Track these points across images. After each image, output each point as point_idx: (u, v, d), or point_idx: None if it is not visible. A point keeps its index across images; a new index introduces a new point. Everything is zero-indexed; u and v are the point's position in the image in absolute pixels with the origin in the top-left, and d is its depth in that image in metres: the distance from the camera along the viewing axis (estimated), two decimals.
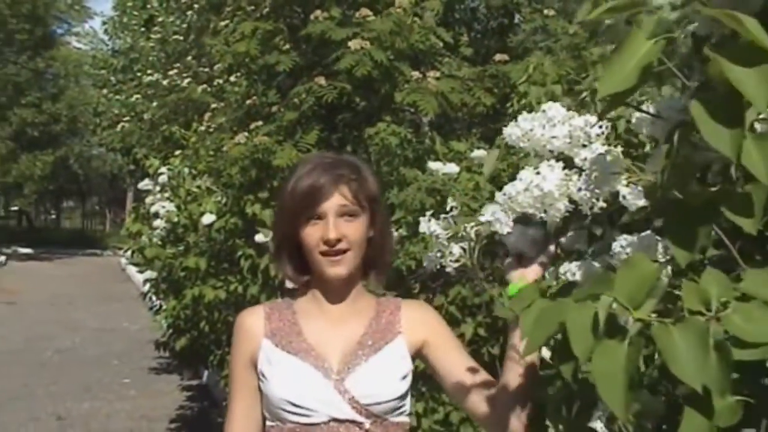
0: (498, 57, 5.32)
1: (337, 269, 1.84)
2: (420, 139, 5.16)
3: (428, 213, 1.35)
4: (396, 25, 4.84)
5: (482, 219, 1.25)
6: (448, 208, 1.24)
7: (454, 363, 1.88)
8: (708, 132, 0.85)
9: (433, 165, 4.48)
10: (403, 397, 1.87)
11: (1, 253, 26.56)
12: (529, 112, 1.25)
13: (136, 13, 18.21)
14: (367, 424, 1.81)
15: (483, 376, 1.85)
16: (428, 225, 1.20)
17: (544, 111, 1.05)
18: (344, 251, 1.83)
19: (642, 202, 0.98)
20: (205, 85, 8.67)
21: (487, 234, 1.37)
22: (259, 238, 4.66)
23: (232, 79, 6.63)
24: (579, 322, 0.90)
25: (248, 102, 5.61)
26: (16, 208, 43.36)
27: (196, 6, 11.89)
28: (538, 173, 1.03)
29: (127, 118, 13.71)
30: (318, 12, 4.97)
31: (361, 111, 5.50)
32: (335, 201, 1.83)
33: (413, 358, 1.92)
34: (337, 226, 1.83)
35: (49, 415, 7.30)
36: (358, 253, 1.86)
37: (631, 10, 0.93)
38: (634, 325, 0.91)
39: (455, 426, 4.44)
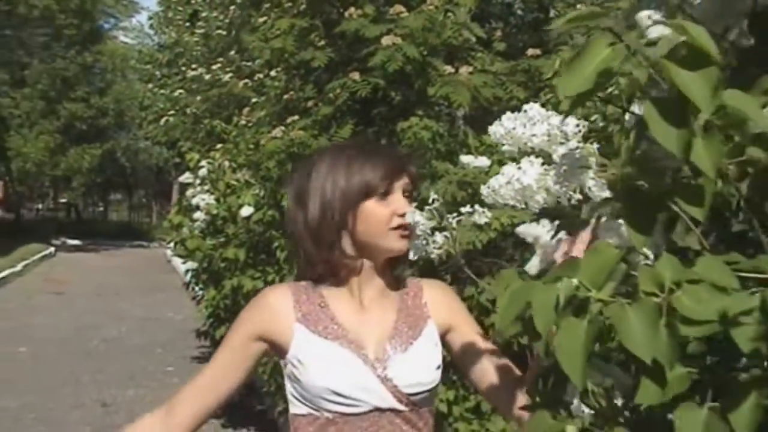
0: (530, 52, 5.39)
1: (406, 243, 1.82)
2: (453, 133, 5.25)
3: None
4: (428, 21, 4.94)
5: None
6: (430, 201, 1.33)
7: (476, 347, 1.87)
8: (657, 131, 0.94)
9: (464, 158, 4.55)
10: (437, 387, 1.87)
11: (51, 244, 27.09)
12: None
13: (180, 8, 18.48)
14: (406, 413, 1.80)
15: (504, 360, 1.85)
16: (412, 216, 1.30)
17: (525, 111, 1.15)
18: (409, 227, 1.81)
19: (606, 194, 1.07)
20: (246, 80, 8.83)
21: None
22: None
23: (273, 73, 6.78)
24: (543, 302, 0.99)
25: (285, 97, 5.75)
26: (64, 200, 44.13)
27: (237, 1, 12.08)
28: (519, 168, 1.13)
29: (171, 112, 13.96)
30: (352, 9, 5.08)
31: (396, 105, 5.60)
32: (404, 180, 1.87)
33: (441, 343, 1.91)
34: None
35: (94, 401, 7.52)
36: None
37: (593, 20, 1.02)
38: (594, 305, 1.00)
39: (487, 414, 4.53)
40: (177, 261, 18.94)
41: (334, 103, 5.18)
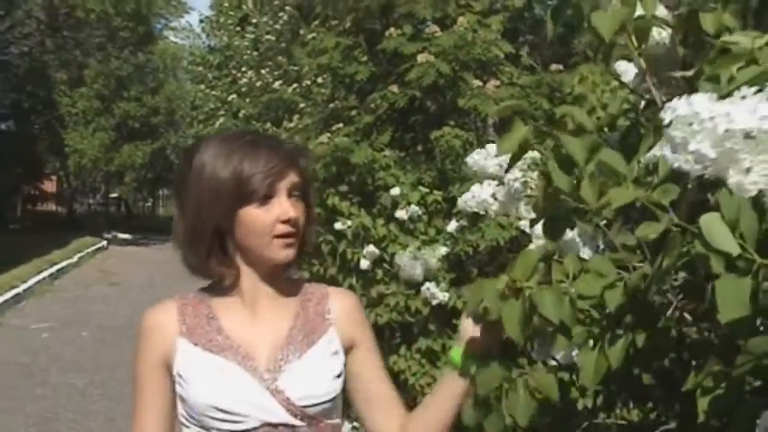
0: (553, 67, 5.92)
1: (290, 251, 1.68)
2: (483, 140, 5.80)
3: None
4: (460, 39, 5.50)
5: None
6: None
7: (374, 375, 1.79)
8: (556, 177, 1.51)
9: None
10: (337, 398, 1.71)
11: (103, 238, 28.02)
12: None
13: (231, 12, 19.14)
14: (303, 428, 1.66)
15: (392, 392, 1.81)
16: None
17: (485, 148, 1.73)
18: (296, 234, 1.68)
19: (533, 215, 1.65)
20: (295, 85, 9.45)
21: None
22: (338, 225, 5.36)
23: (319, 80, 7.38)
24: (490, 290, 1.56)
25: (331, 105, 6.35)
26: (114, 195, 45.28)
27: (287, 8, 12.71)
28: (480, 187, 1.71)
29: (222, 113, 14.63)
30: (392, 29, 5.67)
31: (432, 114, 6.16)
32: (289, 180, 1.66)
33: (344, 356, 1.76)
34: (293, 205, 1.67)
35: None
36: (300, 238, 1.71)
37: (518, 104, 1.61)
38: (525, 290, 1.59)
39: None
40: None
41: (374, 113, 5.77)
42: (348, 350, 1.74)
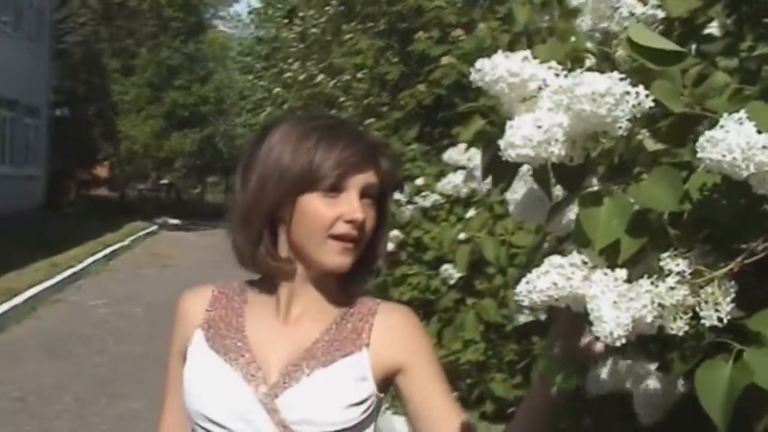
0: None
1: (345, 259, 1.44)
2: None
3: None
4: (481, 41, 6.05)
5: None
6: None
7: (433, 403, 1.48)
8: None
9: None
10: (355, 430, 1.43)
11: (153, 222, 28.82)
12: None
13: (280, 5, 19.73)
14: None
15: (459, 420, 1.48)
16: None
17: (457, 146, 2.31)
18: (358, 240, 1.45)
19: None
20: (338, 77, 10.05)
21: None
22: None
23: (359, 75, 7.98)
24: (449, 236, 2.17)
25: (365, 102, 6.96)
26: (164, 182, 46.23)
27: (332, 3, 13.27)
28: (453, 175, 2.30)
29: (268, 103, 15.21)
30: (421, 32, 6.25)
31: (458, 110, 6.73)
32: (365, 177, 1.45)
33: (383, 382, 1.49)
34: (362, 207, 1.44)
35: None
36: (361, 248, 1.47)
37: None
38: (476, 238, 2.18)
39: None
40: None
41: (404, 109, 6.36)
42: (395, 374, 1.49)
